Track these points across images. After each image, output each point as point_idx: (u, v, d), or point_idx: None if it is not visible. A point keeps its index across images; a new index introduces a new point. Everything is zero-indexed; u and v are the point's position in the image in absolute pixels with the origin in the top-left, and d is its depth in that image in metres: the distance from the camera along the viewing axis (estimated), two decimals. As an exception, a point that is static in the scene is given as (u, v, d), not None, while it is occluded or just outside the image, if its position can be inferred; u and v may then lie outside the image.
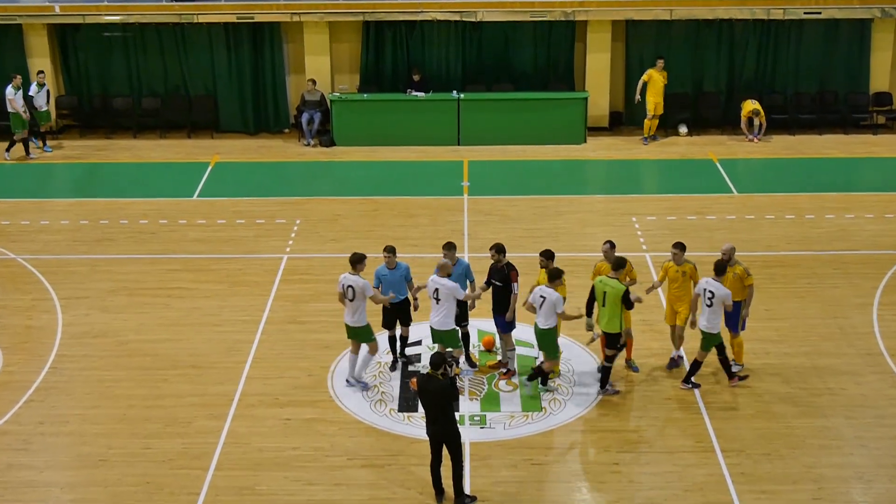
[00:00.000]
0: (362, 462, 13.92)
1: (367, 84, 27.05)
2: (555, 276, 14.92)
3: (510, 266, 15.51)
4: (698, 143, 26.38)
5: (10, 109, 25.08)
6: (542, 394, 15.29)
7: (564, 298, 15.20)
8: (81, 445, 14.33)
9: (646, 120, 26.19)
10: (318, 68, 26.80)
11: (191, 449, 14.19)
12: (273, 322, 17.57)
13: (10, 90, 25.05)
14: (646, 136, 26.25)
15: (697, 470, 13.69)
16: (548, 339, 15.05)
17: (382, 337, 16.10)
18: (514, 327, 15.69)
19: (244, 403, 15.26)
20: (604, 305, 14.99)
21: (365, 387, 15.51)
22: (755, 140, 26.33)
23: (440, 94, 26.38)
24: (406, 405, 15.08)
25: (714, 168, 24.64)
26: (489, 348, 16.48)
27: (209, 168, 24.95)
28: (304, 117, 26.35)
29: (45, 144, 26.01)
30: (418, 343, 16.59)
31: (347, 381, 15.58)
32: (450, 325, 15.10)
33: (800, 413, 14.88)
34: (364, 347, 15.48)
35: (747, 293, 15.48)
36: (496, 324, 15.80)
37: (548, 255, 15.45)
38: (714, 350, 15.22)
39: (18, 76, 25.35)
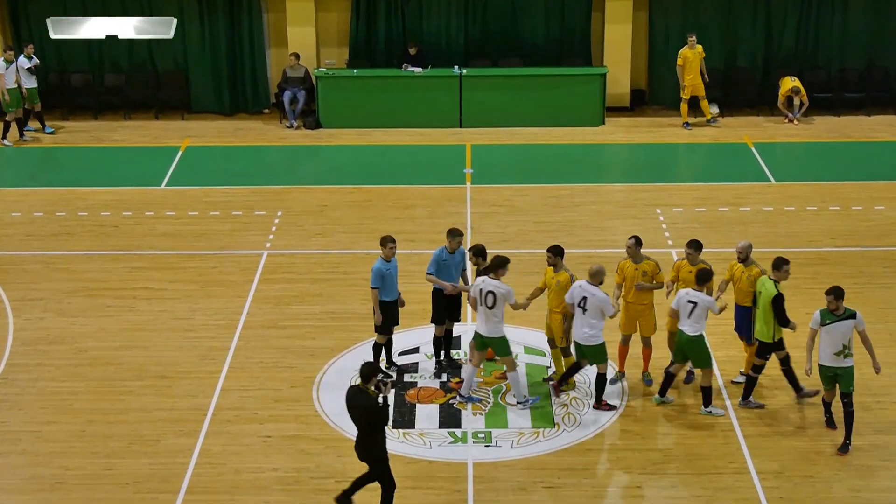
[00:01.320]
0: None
1: (358, 58, 27.05)
2: (705, 279, 14.88)
3: None
4: (731, 125, 26.36)
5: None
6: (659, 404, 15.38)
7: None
8: (35, 466, 14.31)
9: (682, 103, 25.99)
10: (302, 41, 26.80)
11: (159, 470, 14.18)
12: (251, 326, 17.57)
13: (1, 63, 24.92)
14: (686, 121, 26.07)
15: (730, 494, 13.68)
16: (699, 348, 14.96)
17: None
18: None
19: (219, 419, 15.25)
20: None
21: (527, 402, 15.38)
22: (795, 121, 26.32)
23: (440, 70, 26.37)
24: (401, 421, 15.06)
25: (749, 153, 24.64)
26: (490, 357, 16.45)
27: (179, 153, 24.96)
28: (287, 96, 26.35)
29: (44, 126, 26.04)
30: (415, 350, 16.59)
31: (465, 395, 15.51)
32: (598, 339, 15.01)
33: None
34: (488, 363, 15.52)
35: None
36: None
37: (556, 252, 15.44)
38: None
39: (12, 50, 25.27)
